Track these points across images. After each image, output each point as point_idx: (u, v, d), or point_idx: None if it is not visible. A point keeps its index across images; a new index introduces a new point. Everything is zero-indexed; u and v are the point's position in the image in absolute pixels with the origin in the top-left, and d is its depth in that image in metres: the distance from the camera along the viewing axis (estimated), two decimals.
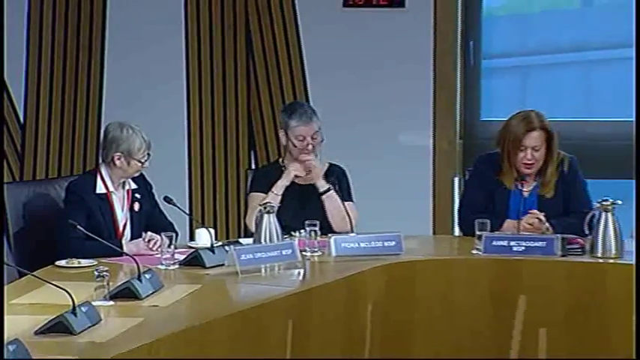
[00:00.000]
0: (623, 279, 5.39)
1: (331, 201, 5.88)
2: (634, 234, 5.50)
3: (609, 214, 5.44)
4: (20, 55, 7.21)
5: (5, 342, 3.90)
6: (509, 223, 5.81)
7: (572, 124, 6.34)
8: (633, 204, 5.86)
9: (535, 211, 5.77)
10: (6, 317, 4.32)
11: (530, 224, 5.73)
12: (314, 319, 5.10)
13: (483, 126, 7.09)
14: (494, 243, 5.53)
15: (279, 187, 5.87)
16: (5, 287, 4.96)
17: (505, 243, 5.53)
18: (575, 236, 5.57)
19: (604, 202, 5.46)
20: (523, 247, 5.51)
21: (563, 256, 5.47)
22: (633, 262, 5.23)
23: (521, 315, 5.49)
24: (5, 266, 5.03)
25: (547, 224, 5.72)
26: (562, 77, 7.39)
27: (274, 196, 5.83)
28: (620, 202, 5.48)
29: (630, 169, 6.34)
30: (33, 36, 7.22)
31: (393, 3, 6.99)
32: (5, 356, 3.87)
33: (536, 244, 5.52)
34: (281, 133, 5.98)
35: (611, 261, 5.46)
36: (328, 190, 5.89)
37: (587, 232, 5.53)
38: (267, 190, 5.88)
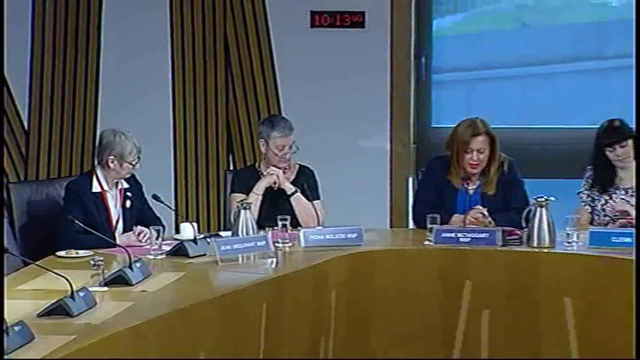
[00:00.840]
0: (556, 266, 5.44)
1: (298, 202, 5.88)
2: (572, 226, 5.52)
3: (544, 209, 5.45)
4: (24, 69, 7.18)
5: (11, 323, 3.91)
6: (456, 218, 5.79)
7: (511, 131, 6.36)
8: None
9: (479, 206, 5.77)
10: (12, 301, 4.33)
11: (474, 218, 5.74)
12: (285, 303, 5.10)
13: (434, 132, 7.08)
14: (444, 235, 5.54)
15: (261, 188, 5.86)
16: (12, 275, 4.96)
17: (453, 235, 5.55)
18: (513, 228, 5.57)
19: (539, 199, 5.47)
20: (469, 239, 5.52)
21: (503, 245, 5.48)
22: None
23: (467, 298, 5.50)
24: (12, 256, 5.04)
25: (489, 218, 5.71)
26: (502, 90, 7.40)
27: (256, 196, 5.83)
28: (553, 198, 5.48)
29: (560, 170, 6.38)
30: (36, 52, 7.19)
31: (354, 24, 6.99)
32: (11, 336, 3.88)
33: (480, 235, 5.53)
34: (261, 142, 5.94)
35: (545, 250, 5.46)
36: (295, 192, 5.89)
37: (524, 225, 5.53)
38: (245, 190, 5.87)
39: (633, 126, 5.87)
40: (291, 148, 5.89)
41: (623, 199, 5.84)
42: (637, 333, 4.52)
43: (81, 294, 4.35)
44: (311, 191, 5.94)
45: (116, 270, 4.83)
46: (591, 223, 5.83)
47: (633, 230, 5.50)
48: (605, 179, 5.87)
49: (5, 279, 4.90)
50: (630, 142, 5.79)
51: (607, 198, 5.86)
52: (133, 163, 5.61)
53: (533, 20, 7.29)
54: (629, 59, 7.07)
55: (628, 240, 5.39)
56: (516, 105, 7.34)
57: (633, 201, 5.81)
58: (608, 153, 5.79)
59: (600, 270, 5.35)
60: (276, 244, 5.41)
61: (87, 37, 7.16)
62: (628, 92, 7.07)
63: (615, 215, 5.81)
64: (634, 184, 5.82)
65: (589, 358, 5.38)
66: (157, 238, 5.33)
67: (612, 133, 5.79)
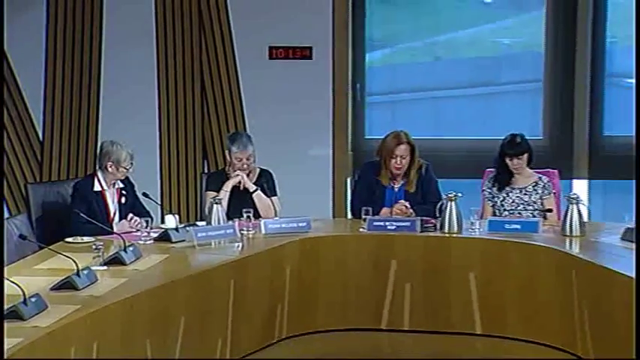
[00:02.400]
0: (462, 248, 5.45)
1: (259, 198, 5.84)
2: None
3: (453, 203, 5.46)
4: (39, 93, 7.11)
5: (29, 295, 3.90)
6: (384, 210, 5.77)
7: (427, 141, 6.35)
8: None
9: (402, 201, 5.77)
10: (30, 278, 4.33)
11: (399, 210, 5.73)
12: (249, 278, 5.10)
13: (366, 142, 7.03)
14: (375, 223, 5.53)
15: (228, 186, 5.82)
16: (29, 257, 4.93)
17: (382, 223, 5.53)
18: (429, 218, 5.57)
19: (449, 195, 5.49)
20: (394, 226, 5.51)
21: (421, 232, 5.47)
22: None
23: (393, 274, 5.50)
24: (29, 242, 5.03)
25: (411, 210, 5.71)
26: (419, 108, 7.36)
27: (225, 193, 5.78)
28: (460, 194, 5.49)
29: (465, 172, 6.36)
30: (49, 80, 7.10)
31: (304, 56, 6.95)
32: (29, 305, 3.87)
33: (403, 224, 5.52)
34: (226, 153, 5.91)
35: (454, 235, 5.46)
36: (256, 190, 5.86)
37: (437, 215, 5.51)
38: (216, 189, 5.84)
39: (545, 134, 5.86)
40: (248, 159, 5.84)
41: (517, 196, 5.83)
42: (637, 333, 4.01)
43: (85, 272, 4.36)
44: (269, 189, 5.92)
45: (113, 253, 4.83)
46: (493, 215, 5.83)
47: (522, 220, 5.56)
48: (503, 180, 5.85)
49: (24, 260, 4.91)
50: (525, 155, 5.77)
51: (505, 195, 5.84)
52: (127, 167, 5.58)
53: (444, 54, 7.27)
54: (517, 85, 7.14)
55: (517, 227, 5.45)
56: (431, 120, 7.32)
57: (526, 198, 5.82)
58: (507, 161, 5.78)
59: (496, 251, 5.38)
60: (242, 232, 5.38)
61: (89, 69, 7.08)
62: (515, 111, 7.20)
63: (540, 212, 5.77)
64: (525, 185, 5.84)
65: (487, 321, 5.40)
66: (146, 227, 5.32)
67: (513, 146, 5.77)
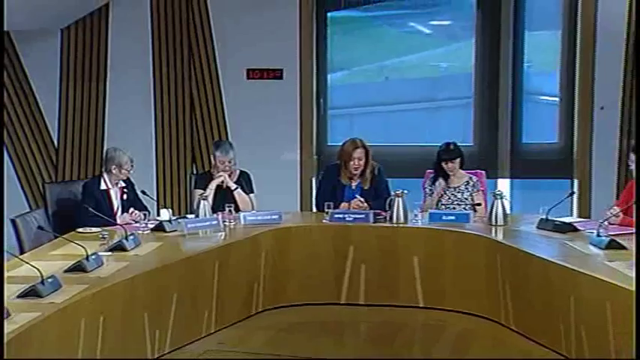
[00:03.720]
0: (408, 235, 5.45)
1: (239, 195, 5.82)
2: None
3: (400, 199, 5.46)
4: (55, 107, 7.09)
5: (46, 276, 3.87)
6: (344, 204, 5.75)
7: (378, 147, 6.33)
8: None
9: (358, 197, 5.77)
10: (47, 262, 4.32)
11: (355, 205, 5.72)
12: (230, 262, 5.09)
13: (329, 148, 7.01)
14: (336, 216, 5.52)
15: (213, 185, 5.80)
16: (46, 245, 4.91)
17: (342, 216, 5.53)
18: (381, 211, 5.57)
19: (397, 192, 5.49)
20: (352, 218, 5.51)
21: (374, 222, 5.48)
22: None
23: (350, 257, 5.51)
24: (46, 232, 5.00)
25: (365, 204, 5.70)
26: (372, 120, 7.37)
27: (210, 191, 5.76)
28: (406, 191, 5.50)
29: (410, 172, 6.34)
30: (63, 93, 7.06)
31: (276, 77, 6.92)
32: (46, 285, 3.84)
33: (359, 216, 5.52)
34: (212, 157, 5.89)
35: (401, 225, 5.46)
36: (237, 188, 5.84)
37: (387, 208, 5.52)
38: (203, 187, 5.82)
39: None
40: (230, 162, 5.81)
41: (452, 193, 5.82)
42: (637, 333, 3.50)
43: (93, 257, 4.35)
44: (248, 188, 5.90)
45: (117, 241, 4.81)
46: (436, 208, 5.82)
47: (456, 212, 5.56)
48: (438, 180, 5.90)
49: (42, 247, 4.88)
50: (458, 160, 5.76)
51: (442, 192, 5.85)
52: (128, 169, 5.56)
53: (392, 75, 7.29)
54: (452, 101, 7.13)
55: (453, 218, 5.47)
56: (382, 130, 7.33)
57: (459, 195, 5.82)
58: (443, 164, 5.79)
59: (435, 238, 5.39)
60: (225, 223, 5.37)
61: (97, 87, 7.03)
62: (450, 122, 7.22)
63: (471, 206, 5.75)
64: (458, 184, 5.83)
65: (428, 295, 5.41)
66: (144, 219, 5.31)
67: (447, 152, 5.77)
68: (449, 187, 5.85)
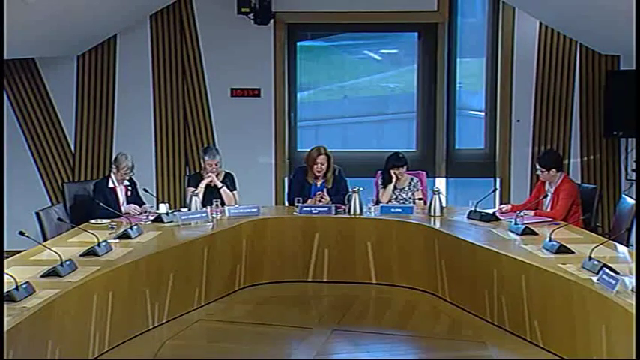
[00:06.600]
0: (363, 225, 5.43)
1: (224, 192, 5.76)
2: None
3: (357, 195, 5.45)
4: (71, 119, 7.01)
5: (64, 260, 3.86)
6: (311, 200, 5.74)
7: (338, 152, 6.32)
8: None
9: (322, 193, 5.75)
10: (65, 247, 4.30)
11: (320, 200, 5.72)
12: (217, 247, 5.07)
13: (298, 153, 6.93)
14: (304, 209, 5.49)
15: (203, 184, 5.74)
16: (65, 233, 4.87)
17: (309, 209, 5.51)
18: (341, 205, 5.57)
19: (354, 189, 5.48)
20: (317, 211, 5.49)
21: (335, 214, 5.46)
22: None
23: (316, 242, 5.49)
24: (65, 223, 4.96)
25: (328, 199, 5.69)
26: (333, 130, 7.34)
27: (200, 189, 5.71)
28: (361, 188, 5.49)
29: (364, 173, 6.30)
30: (79, 108, 6.96)
31: (255, 95, 6.86)
32: (64, 267, 3.82)
33: (323, 209, 5.50)
34: (202, 161, 5.85)
35: (358, 216, 5.44)
36: (222, 186, 5.79)
37: (346, 203, 5.51)
38: (194, 186, 5.77)
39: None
40: (217, 165, 5.76)
41: (399, 192, 5.80)
42: (637, 333, 2.96)
43: (103, 244, 4.34)
44: (232, 186, 5.85)
45: (123, 230, 4.80)
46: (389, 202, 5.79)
47: (402, 206, 5.54)
48: (388, 182, 5.81)
49: (61, 236, 4.84)
50: (404, 167, 5.74)
51: (390, 192, 5.80)
52: (132, 171, 5.54)
53: (349, 94, 7.25)
54: (398, 115, 7.10)
55: (399, 210, 5.47)
56: (341, 139, 7.32)
57: (404, 194, 5.80)
58: (394, 170, 5.75)
59: (385, 226, 5.40)
60: (212, 215, 5.34)
61: (107, 103, 6.97)
62: (397, 132, 7.18)
63: (414, 201, 5.72)
64: (403, 185, 5.82)
65: (379, 274, 5.39)
66: (145, 212, 5.31)
67: (396, 160, 5.75)
68: (396, 188, 5.86)
